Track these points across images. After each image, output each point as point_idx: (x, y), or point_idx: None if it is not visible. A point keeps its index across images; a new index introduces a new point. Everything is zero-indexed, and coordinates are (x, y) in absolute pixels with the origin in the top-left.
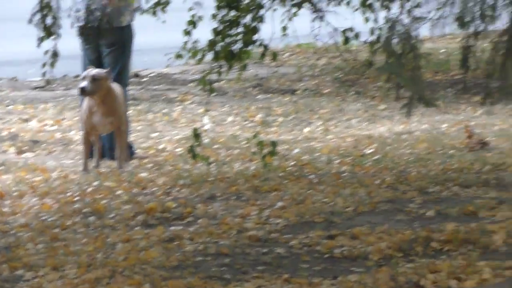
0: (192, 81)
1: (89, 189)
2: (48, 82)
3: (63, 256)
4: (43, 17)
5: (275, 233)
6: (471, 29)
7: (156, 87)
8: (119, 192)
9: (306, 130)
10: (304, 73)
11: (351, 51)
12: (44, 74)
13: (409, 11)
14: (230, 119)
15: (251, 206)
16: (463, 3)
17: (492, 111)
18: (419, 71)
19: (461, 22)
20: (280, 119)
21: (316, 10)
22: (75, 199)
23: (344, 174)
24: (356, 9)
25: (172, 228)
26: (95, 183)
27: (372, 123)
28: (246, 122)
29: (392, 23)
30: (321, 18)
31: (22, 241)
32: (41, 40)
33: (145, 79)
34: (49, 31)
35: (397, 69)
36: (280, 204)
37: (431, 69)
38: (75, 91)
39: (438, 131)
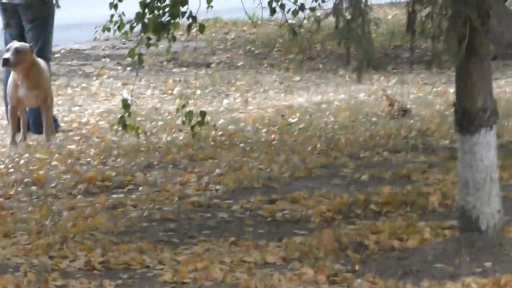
0: (105, 56)
1: (22, 161)
2: None
3: (12, 223)
4: None
5: (216, 198)
6: None
7: (70, 62)
8: (54, 163)
9: (226, 102)
10: (215, 47)
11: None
12: None
13: None
14: (149, 92)
15: (189, 173)
16: None
17: (405, 80)
18: (369, 35)
19: None
20: (198, 91)
21: None
22: (10, 170)
23: (275, 142)
24: None
25: (115, 196)
26: (26, 155)
27: (289, 94)
28: (165, 95)
29: None
30: None
31: None
32: None
33: (57, 55)
34: None
35: (347, 35)
36: (218, 171)
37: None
38: None
39: (357, 100)
